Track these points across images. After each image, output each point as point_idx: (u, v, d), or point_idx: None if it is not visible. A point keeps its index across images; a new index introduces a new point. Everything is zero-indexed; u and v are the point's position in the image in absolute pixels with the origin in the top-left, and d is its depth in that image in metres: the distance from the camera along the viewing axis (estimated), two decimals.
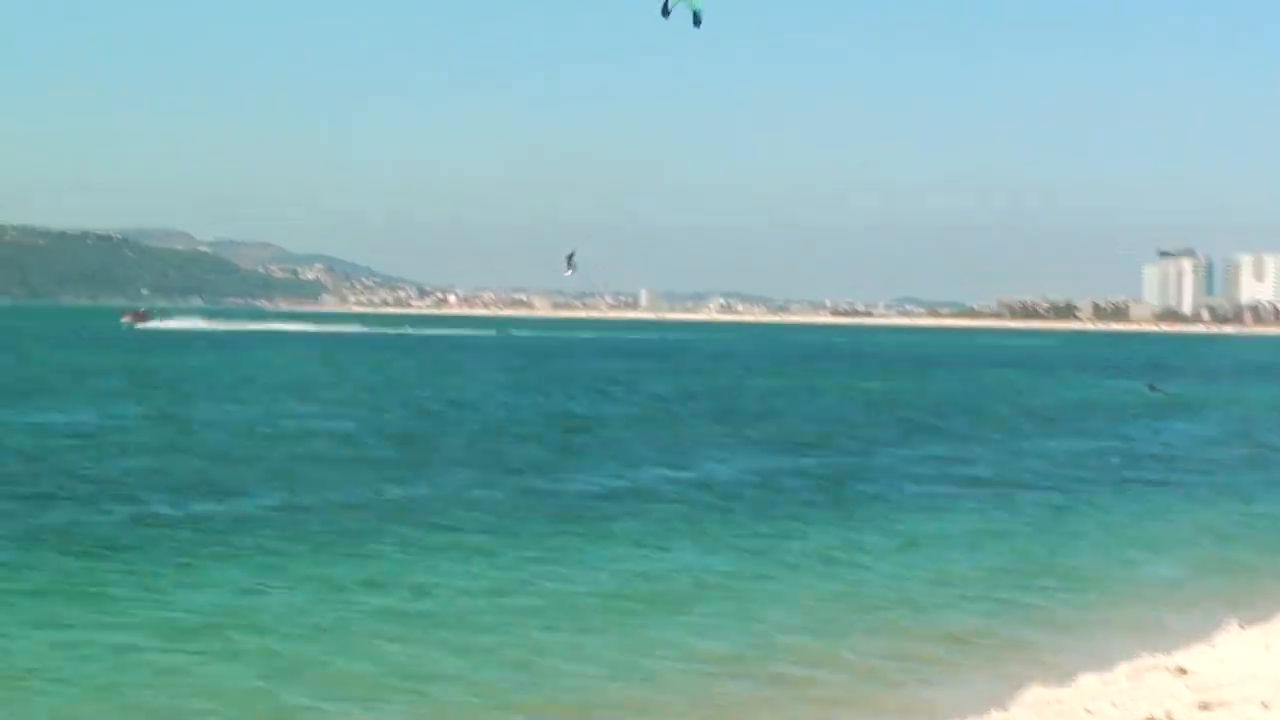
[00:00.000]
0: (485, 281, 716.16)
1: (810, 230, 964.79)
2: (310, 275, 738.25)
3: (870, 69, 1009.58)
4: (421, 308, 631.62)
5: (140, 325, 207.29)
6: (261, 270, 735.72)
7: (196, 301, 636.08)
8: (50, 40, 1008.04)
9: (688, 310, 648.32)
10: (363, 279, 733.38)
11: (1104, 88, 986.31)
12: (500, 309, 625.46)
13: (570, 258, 60.18)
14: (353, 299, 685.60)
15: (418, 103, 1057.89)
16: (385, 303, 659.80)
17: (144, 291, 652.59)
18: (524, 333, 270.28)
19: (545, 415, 74.36)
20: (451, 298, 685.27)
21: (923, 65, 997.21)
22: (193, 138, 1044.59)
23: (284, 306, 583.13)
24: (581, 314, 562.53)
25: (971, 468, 55.07)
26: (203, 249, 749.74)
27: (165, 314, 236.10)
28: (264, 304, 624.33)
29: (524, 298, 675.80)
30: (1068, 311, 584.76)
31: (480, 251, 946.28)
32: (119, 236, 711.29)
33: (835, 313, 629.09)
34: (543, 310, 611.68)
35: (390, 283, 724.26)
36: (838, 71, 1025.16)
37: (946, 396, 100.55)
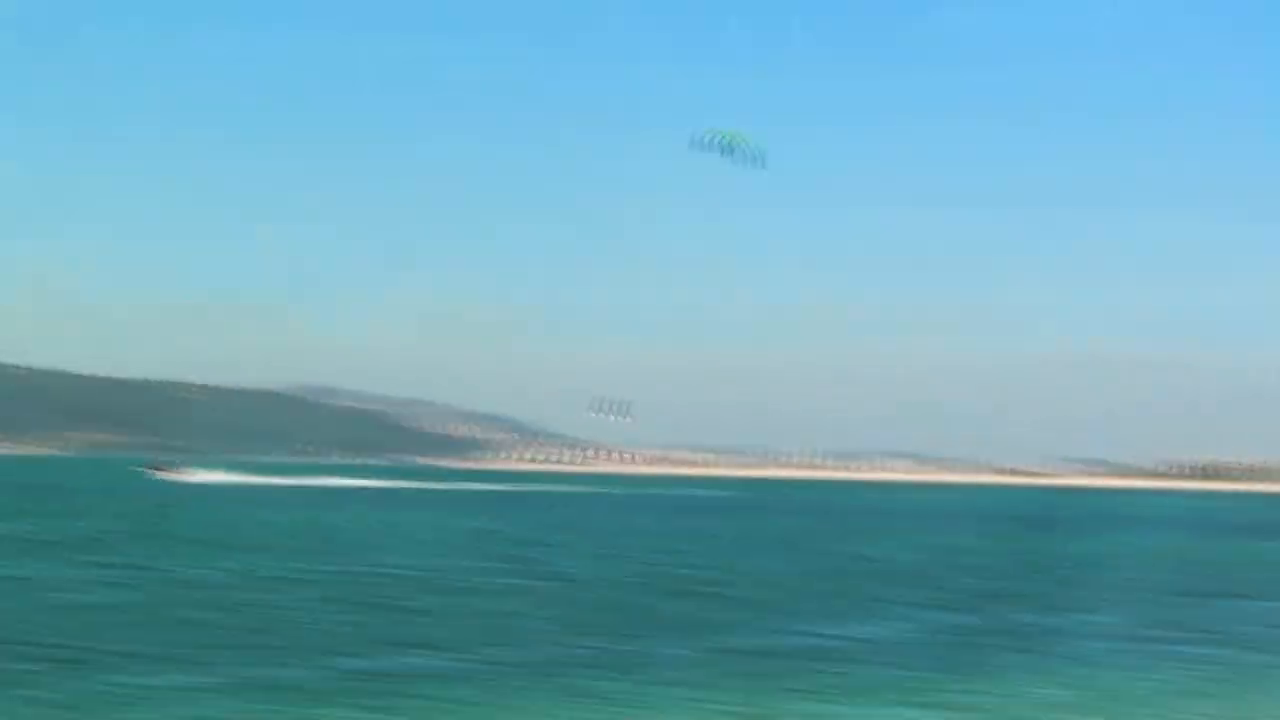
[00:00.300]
0: (675, 439, 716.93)
1: (979, 387, 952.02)
2: (492, 434, 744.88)
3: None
4: (600, 465, 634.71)
5: (162, 476, 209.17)
6: (440, 429, 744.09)
7: (371, 460, 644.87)
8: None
9: (839, 469, 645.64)
10: (542, 439, 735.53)
11: None
12: (688, 468, 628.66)
13: (616, 405, 60.60)
14: (532, 456, 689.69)
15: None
16: (563, 460, 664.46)
17: (306, 446, 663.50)
18: (704, 491, 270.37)
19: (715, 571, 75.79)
20: (634, 455, 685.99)
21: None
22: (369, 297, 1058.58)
23: (459, 465, 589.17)
24: (759, 472, 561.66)
25: (1153, 629, 55.23)
26: (374, 407, 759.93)
27: (185, 466, 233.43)
28: (442, 463, 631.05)
29: (710, 456, 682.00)
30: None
31: (665, 408, 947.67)
32: (292, 394, 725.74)
33: (996, 471, 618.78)
34: (725, 469, 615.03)
35: (576, 443, 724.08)
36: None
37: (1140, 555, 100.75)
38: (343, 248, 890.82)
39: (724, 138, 47.50)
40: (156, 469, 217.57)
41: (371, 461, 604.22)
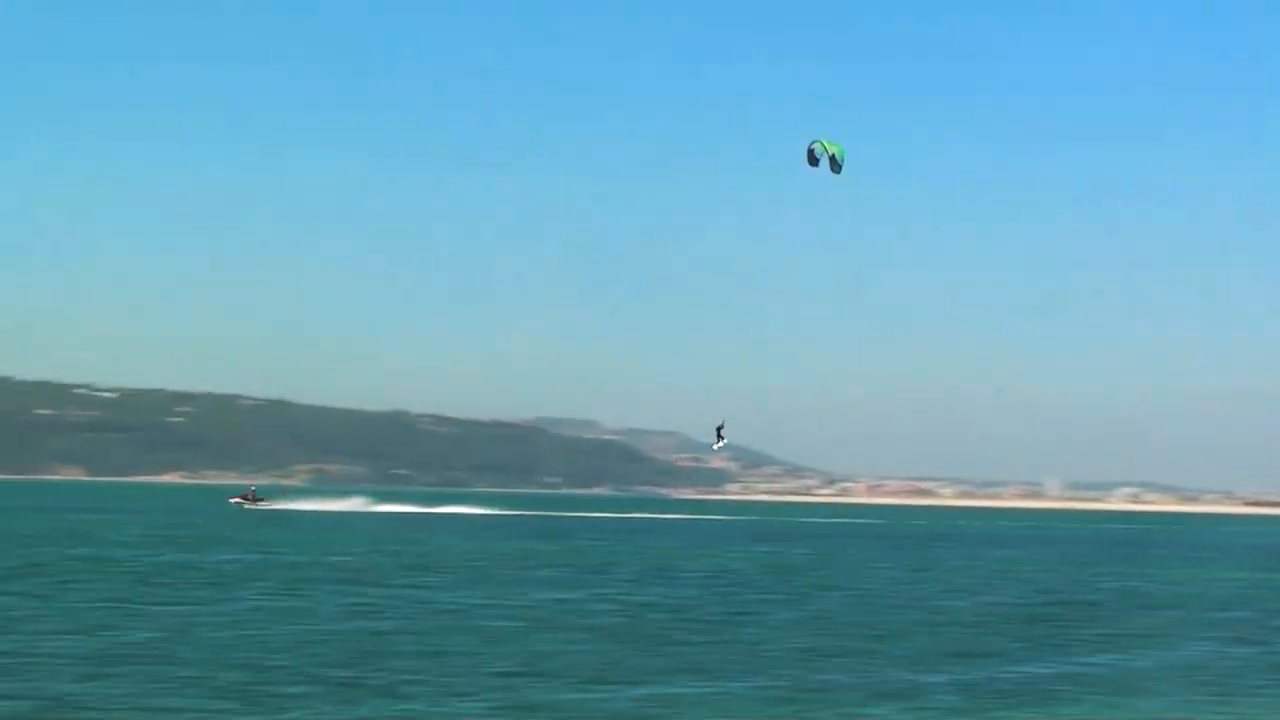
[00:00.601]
0: (891, 469, 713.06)
1: (1223, 418, 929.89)
2: (717, 463, 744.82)
3: None
4: (824, 496, 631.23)
5: (249, 506, 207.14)
6: (668, 458, 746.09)
7: (603, 490, 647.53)
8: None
9: (1092, 500, 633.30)
10: (768, 467, 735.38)
11: None
12: (904, 498, 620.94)
13: (720, 430, 58.42)
14: (760, 487, 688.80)
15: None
16: (789, 491, 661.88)
17: (551, 480, 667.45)
18: (920, 522, 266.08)
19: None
20: (857, 486, 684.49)
21: None
22: (600, 329, 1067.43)
23: (689, 495, 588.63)
24: (985, 503, 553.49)
25: None
26: (610, 437, 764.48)
27: (271, 495, 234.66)
28: (668, 493, 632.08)
29: (929, 486, 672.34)
30: None
31: (884, 440, 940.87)
32: (529, 425, 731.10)
33: (1248, 503, 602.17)
34: (947, 499, 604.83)
35: (796, 471, 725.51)
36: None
37: None
38: None
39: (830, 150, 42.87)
40: (244, 499, 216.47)
41: (611, 492, 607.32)
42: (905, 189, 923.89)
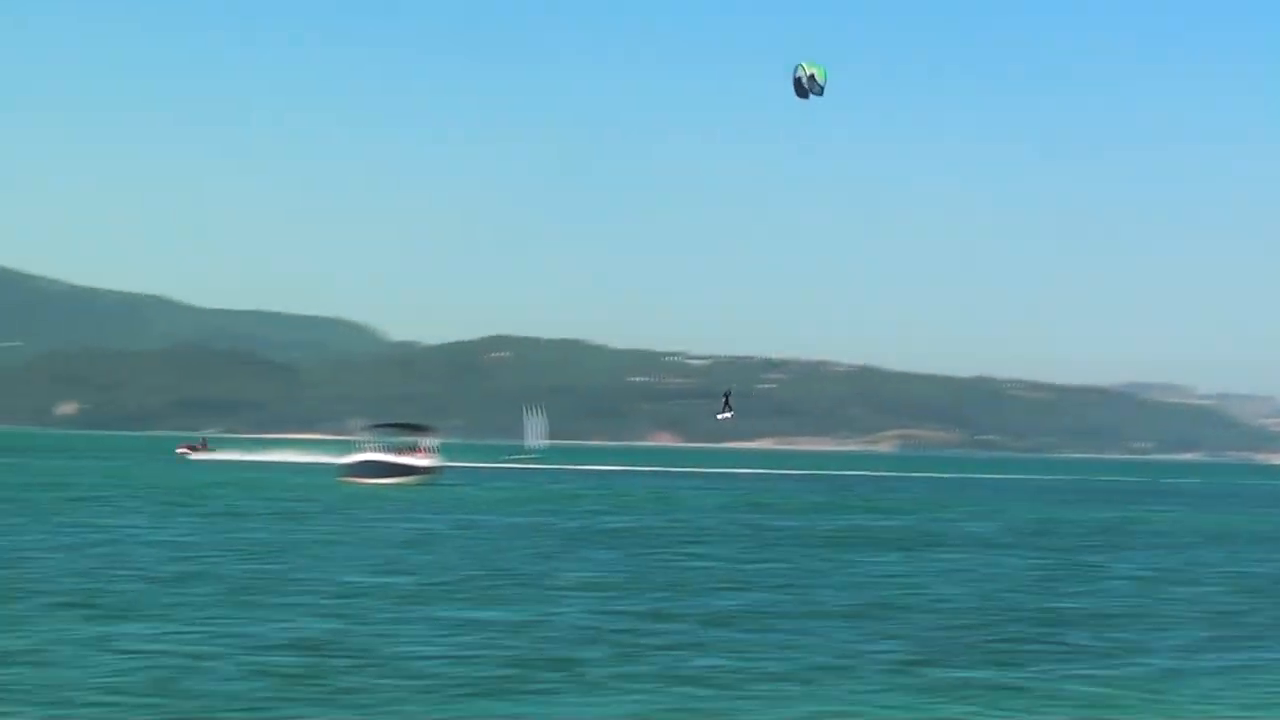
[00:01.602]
0: None
1: None
2: None
3: None
4: None
5: (195, 456, 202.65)
6: (1260, 423, 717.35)
7: (1194, 455, 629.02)
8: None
9: None
10: None
11: None
12: None
13: (728, 396, 53.71)
14: None
15: None
16: None
17: (1141, 445, 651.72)
18: None
19: None
20: None
21: None
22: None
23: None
24: None
25: None
26: (1201, 402, 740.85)
27: (219, 445, 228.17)
28: (1260, 458, 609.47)
29: None
30: None
31: None
32: (1118, 390, 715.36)
33: None
34: None
35: None
36: None
37: None
38: None
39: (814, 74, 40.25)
40: (191, 448, 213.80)
41: (1202, 458, 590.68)
42: None
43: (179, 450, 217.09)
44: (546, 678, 32.86)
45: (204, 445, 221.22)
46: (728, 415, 57.33)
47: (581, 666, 34.28)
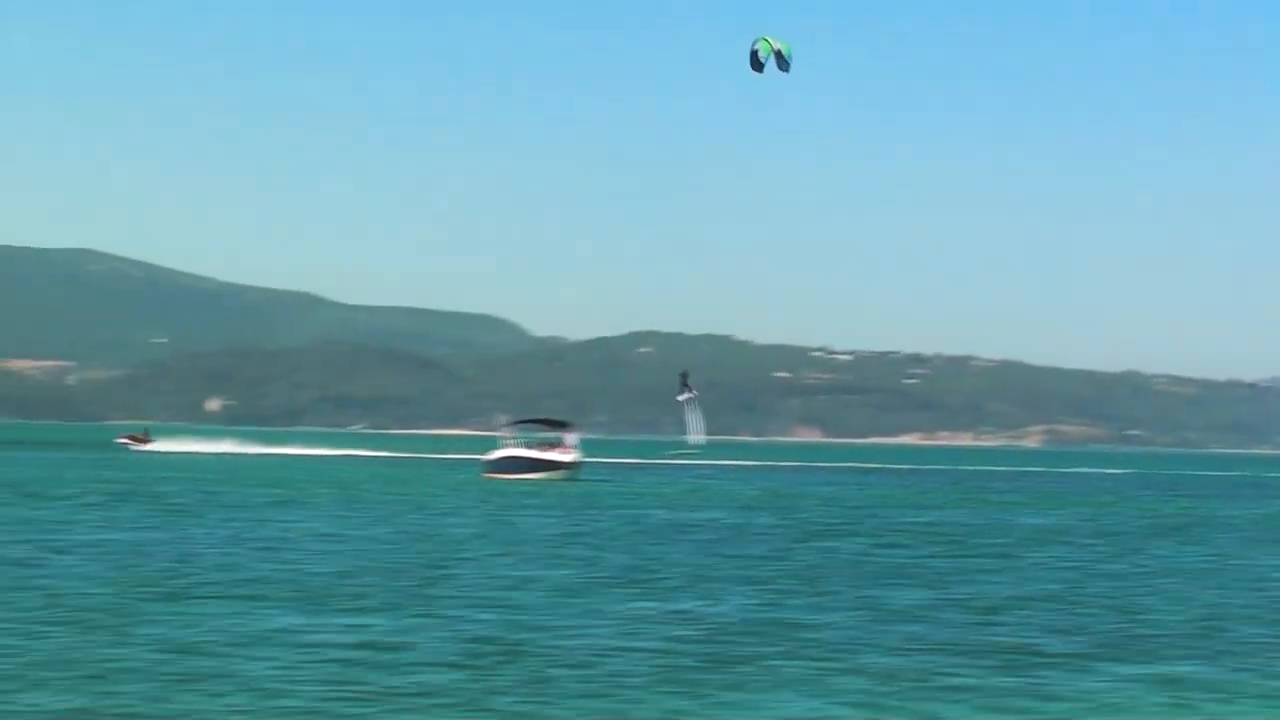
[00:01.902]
0: None
1: None
2: None
3: None
4: None
5: (137, 448, 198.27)
6: None
7: None
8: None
9: None
10: None
11: None
12: None
13: (684, 378, 52.76)
14: None
15: None
16: None
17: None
18: None
19: None
20: None
21: None
22: None
23: None
24: None
25: None
26: None
27: (163, 435, 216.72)
28: None
29: None
30: None
31: None
32: (1266, 385, 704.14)
33: None
34: None
35: None
36: None
37: None
38: None
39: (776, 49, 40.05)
40: (132, 439, 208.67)
41: None
42: None
43: (119, 440, 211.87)
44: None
45: (146, 436, 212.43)
46: (688, 395, 57.59)
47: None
